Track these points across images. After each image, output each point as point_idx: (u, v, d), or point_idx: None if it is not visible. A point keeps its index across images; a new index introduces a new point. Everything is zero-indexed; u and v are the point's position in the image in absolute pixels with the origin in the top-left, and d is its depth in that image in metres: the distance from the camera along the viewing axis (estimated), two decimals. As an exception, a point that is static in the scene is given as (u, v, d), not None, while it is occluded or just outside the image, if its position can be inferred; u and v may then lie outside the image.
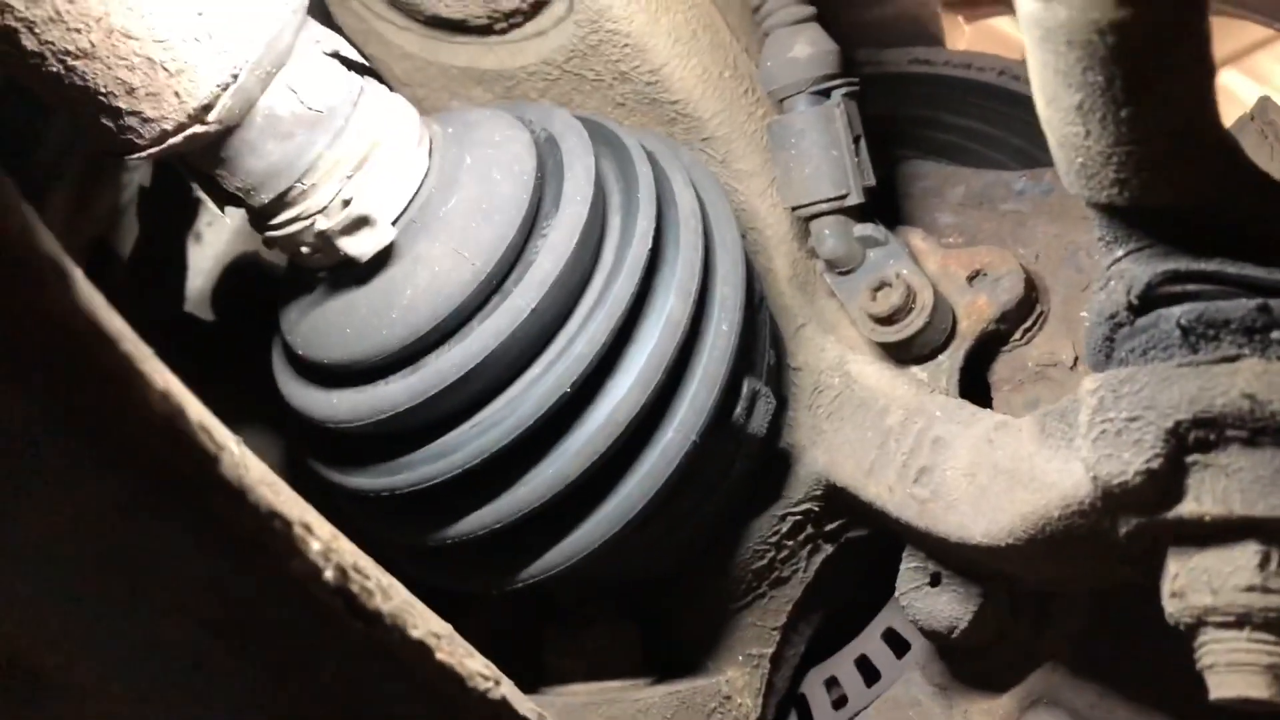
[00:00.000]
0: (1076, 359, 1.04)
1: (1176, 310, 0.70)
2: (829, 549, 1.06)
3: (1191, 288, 0.70)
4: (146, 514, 0.45)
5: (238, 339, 1.20)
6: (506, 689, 0.62)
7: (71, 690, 0.46)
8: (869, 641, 1.10)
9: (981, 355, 1.06)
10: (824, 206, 1.02)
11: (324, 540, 0.51)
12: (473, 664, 0.60)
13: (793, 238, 1.09)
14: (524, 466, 0.87)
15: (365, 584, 0.53)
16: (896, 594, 0.96)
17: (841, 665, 1.11)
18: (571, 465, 0.86)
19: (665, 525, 0.95)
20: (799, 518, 1.03)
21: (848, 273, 1.05)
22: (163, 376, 0.44)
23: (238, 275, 1.46)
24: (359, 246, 0.83)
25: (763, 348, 0.98)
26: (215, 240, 1.57)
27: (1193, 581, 0.68)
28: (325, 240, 0.83)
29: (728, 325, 0.90)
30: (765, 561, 1.05)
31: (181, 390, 0.45)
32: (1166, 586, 0.70)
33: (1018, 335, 1.06)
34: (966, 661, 1.00)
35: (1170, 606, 0.69)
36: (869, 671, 1.09)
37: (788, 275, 1.07)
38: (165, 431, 0.44)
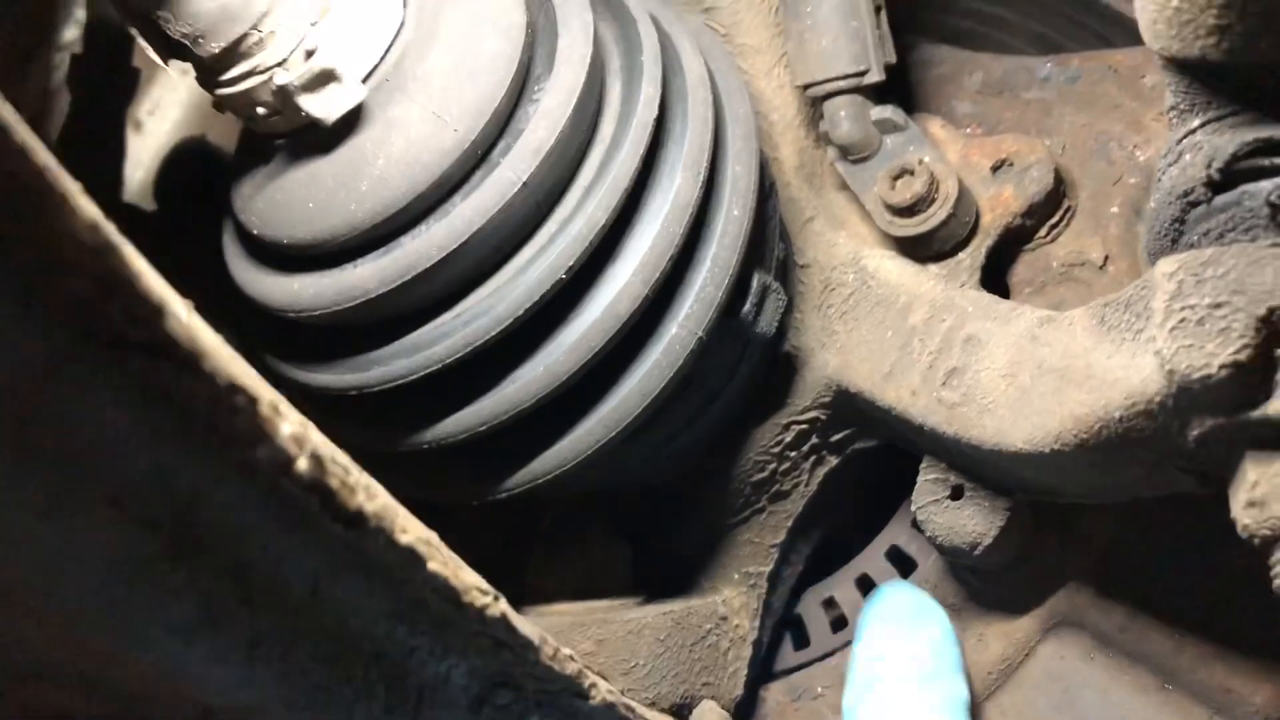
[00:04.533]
0: (1106, 258, 0.96)
1: (1266, 185, 0.62)
2: (833, 461, 0.98)
3: (1282, 160, 0.62)
4: (74, 382, 0.35)
5: (183, 236, 1.08)
6: (505, 605, 0.53)
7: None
8: (871, 560, 1.03)
9: (1002, 254, 0.98)
10: (841, 84, 0.92)
11: (296, 423, 0.42)
12: (468, 577, 0.52)
13: (800, 123, 0.99)
14: (512, 363, 0.77)
15: (346, 479, 0.44)
16: (913, 508, 0.88)
17: (840, 585, 1.04)
18: (565, 362, 0.77)
19: (664, 432, 0.86)
20: (804, 426, 0.95)
21: (863, 160, 0.96)
22: (90, 209, 0.34)
23: (181, 166, 1.33)
24: (324, 107, 0.72)
25: (772, 239, 0.89)
26: (157, 130, 1.44)
27: (1276, 489, 0.61)
28: (285, 98, 0.72)
29: (739, 210, 0.81)
30: (766, 473, 0.96)
31: (115, 233, 0.35)
32: (1242, 496, 0.62)
33: (1043, 232, 0.97)
34: (983, 582, 0.93)
35: (1245, 518, 0.62)
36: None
37: (794, 165, 0.98)
38: (96, 271, 0.34)
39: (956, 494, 0.86)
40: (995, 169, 0.97)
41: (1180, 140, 0.67)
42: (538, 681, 0.57)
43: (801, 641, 1.04)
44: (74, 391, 0.35)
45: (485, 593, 0.52)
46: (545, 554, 0.94)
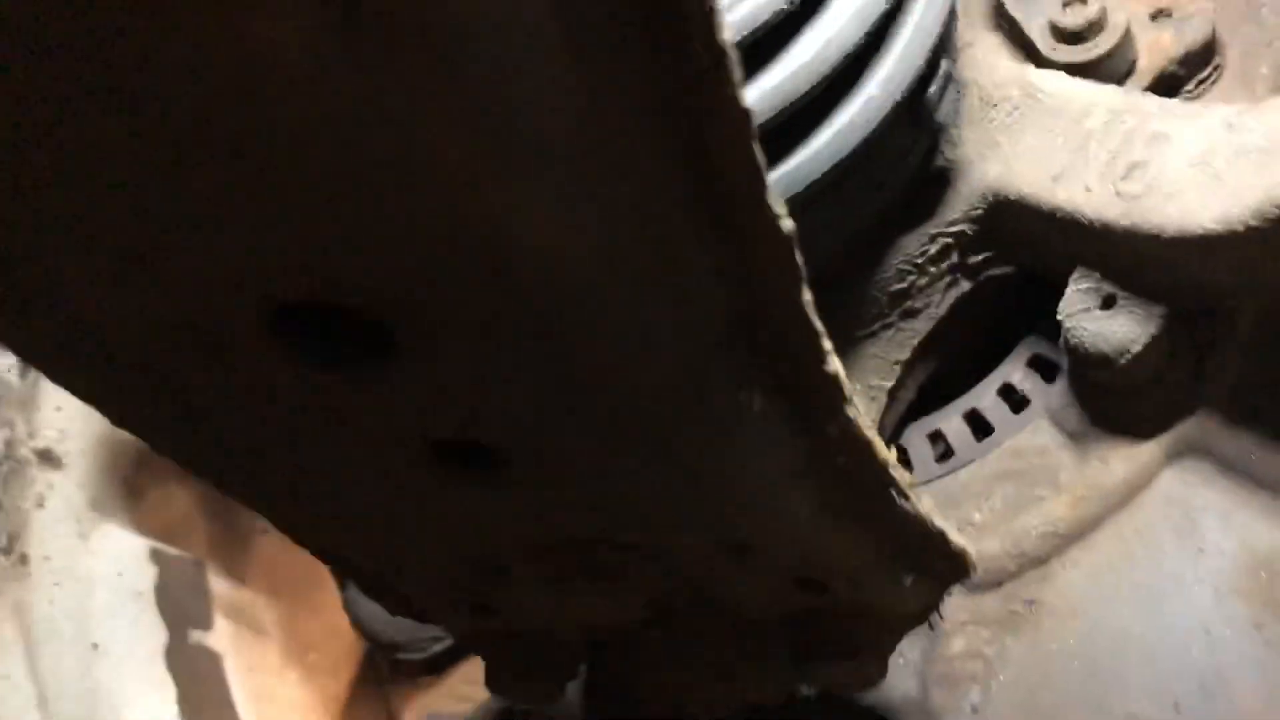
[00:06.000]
0: (1254, 115, 0.98)
1: None
2: (966, 285, 1.00)
3: None
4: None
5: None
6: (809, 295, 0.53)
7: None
8: (982, 397, 1.04)
9: (1151, 101, 1.00)
10: (1022, -91, 0.94)
11: None
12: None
13: (963, -43, 1.01)
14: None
15: None
16: (1060, 316, 0.89)
17: (948, 419, 1.05)
18: (770, 102, 0.77)
19: (832, 210, 0.87)
20: (949, 240, 0.96)
21: (1032, -9, 0.98)
22: None
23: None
24: None
25: (953, 40, 0.90)
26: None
27: None
28: None
29: (942, -12, 0.82)
30: (903, 285, 0.98)
31: None
32: None
33: (1191, 86, 1.00)
34: (1109, 407, 0.94)
35: None
36: (980, 426, 1.04)
37: (956, -5, 1.00)
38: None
39: (1108, 303, 0.87)
40: (1154, 16, 1.00)
41: None
42: (808, 393, 0.57)
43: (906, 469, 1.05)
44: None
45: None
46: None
